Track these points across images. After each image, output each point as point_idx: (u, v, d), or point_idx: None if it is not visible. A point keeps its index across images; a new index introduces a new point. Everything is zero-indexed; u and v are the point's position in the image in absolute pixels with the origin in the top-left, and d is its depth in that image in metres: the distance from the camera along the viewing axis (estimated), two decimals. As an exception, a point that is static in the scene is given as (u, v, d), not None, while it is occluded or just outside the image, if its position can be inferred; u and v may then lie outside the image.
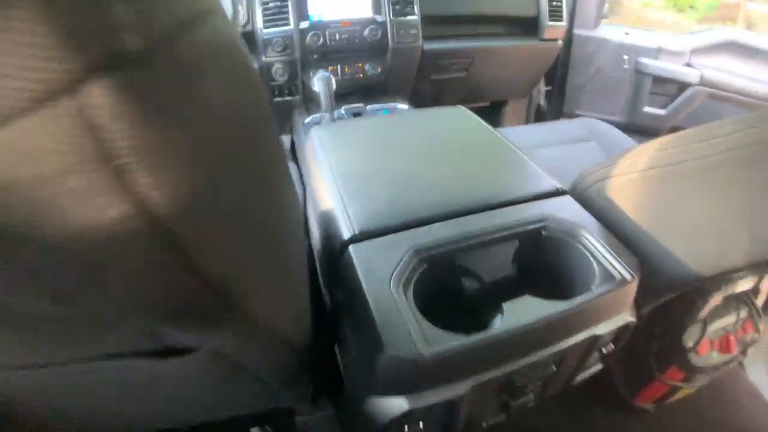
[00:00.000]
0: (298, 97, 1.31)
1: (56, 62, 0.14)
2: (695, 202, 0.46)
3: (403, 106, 1.29)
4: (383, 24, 1.27)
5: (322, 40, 1.24)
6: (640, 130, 1.74)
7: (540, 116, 1.87)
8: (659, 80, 1.61)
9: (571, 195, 0.59)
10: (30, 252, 0.17)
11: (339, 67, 1.30)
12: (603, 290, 0.47)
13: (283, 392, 0.48)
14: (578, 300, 0.46)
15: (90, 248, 0.17)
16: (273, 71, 1.25)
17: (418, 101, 1.47)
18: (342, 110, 1.26)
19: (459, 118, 0.79)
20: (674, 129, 1.74)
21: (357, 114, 1.26)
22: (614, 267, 0.49)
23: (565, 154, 1.20)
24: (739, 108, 1.66)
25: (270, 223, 0.28)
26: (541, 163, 0.65)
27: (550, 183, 0.61)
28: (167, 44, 0.16)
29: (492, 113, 1.88)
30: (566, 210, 0.56)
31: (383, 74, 1.34)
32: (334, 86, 1.12)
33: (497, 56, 1.50)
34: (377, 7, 1.27)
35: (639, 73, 1.61)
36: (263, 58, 1.24)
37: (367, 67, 1.32)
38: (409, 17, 1.28)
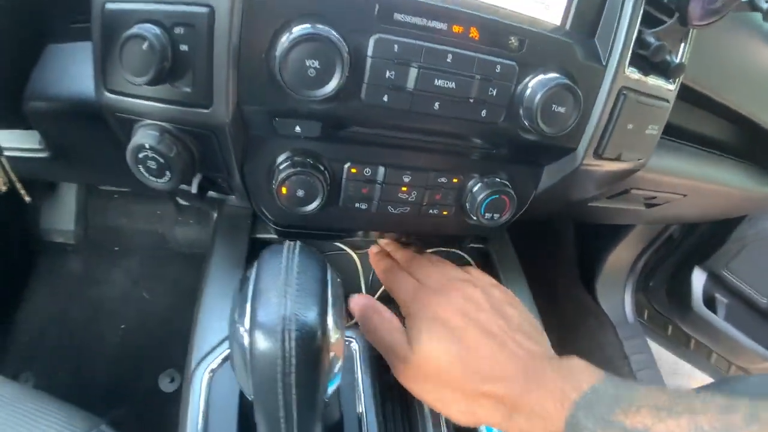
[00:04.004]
0: (231, 195, 0.45)
1: None
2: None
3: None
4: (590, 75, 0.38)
5: (348, 73, 0.32)
6: None
7: (666, 253, 1.18)
8: None
9: None
10: None
11: (376, 192, 0.41)
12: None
13: None
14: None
15: None
16: (139, 156, 0.33)
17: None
18: None
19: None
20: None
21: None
22: None
23: None
24: None
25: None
26: None
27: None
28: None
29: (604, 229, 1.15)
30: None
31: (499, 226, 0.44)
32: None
33: (706, 197, 0.74)
34: (592, 8, 0.39)
35: None
36: (104, 96, 0.33)
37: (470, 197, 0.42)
38: (661, 81, 0.42)
